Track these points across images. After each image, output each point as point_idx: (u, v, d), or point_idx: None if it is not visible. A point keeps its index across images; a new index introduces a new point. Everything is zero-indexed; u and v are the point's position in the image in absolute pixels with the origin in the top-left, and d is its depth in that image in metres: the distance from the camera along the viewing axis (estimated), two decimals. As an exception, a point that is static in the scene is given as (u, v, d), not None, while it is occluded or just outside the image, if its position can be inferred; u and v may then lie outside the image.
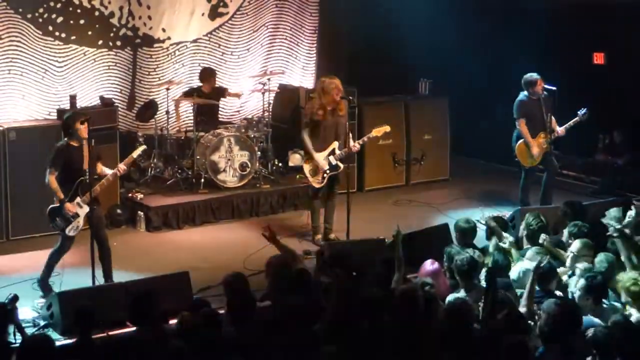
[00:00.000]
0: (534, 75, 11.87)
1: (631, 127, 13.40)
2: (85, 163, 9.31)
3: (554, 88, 11.82)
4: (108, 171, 9.62)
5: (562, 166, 13.69)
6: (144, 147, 10.20)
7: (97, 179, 9.52)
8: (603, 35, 13.32)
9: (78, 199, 9.36)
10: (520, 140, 11.95)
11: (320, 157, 10.98)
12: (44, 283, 9.61)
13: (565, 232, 8.97)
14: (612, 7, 13.10)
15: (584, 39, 13.46)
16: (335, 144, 11.01)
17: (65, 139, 9.43)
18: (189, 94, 12.81)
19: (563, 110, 12.10)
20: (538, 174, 12.24)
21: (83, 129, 9.27)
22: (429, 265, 8.31)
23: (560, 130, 11.94)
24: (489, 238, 9.41)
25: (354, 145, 11.08)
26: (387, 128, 11.26)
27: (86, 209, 9.40)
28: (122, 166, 9.62)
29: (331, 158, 11.01)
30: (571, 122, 11.95)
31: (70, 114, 9.61)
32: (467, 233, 9.12)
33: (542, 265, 7.58)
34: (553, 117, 11.95)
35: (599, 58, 13.71)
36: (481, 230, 9.64)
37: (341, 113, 10.96)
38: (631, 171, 13.11)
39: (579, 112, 11.95)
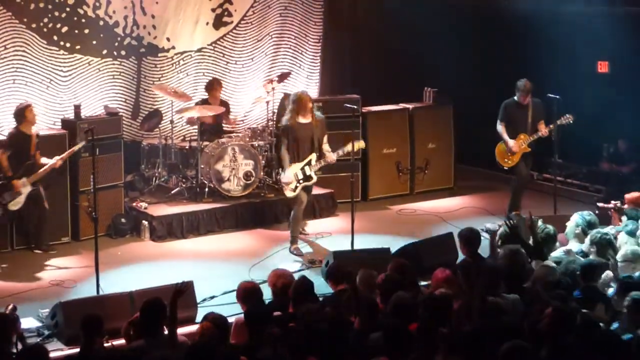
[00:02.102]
0: (527, 85, 12.05)
1: (636, 136, 13.37)
2: (33, 149, 10.80)
3: (557, 97, 11.82)
4: (46, 160, 10.83)
5: (566, 174, 13.69)
6: (83, 142, 10.97)
7: (39, 165, 10.81)
8: (607, 43, 13.31)
9: (24, 179, 10.65)
10: (500, 142, 12.22)
11: (295, 168, 11.13)
12: None
13: (587, 240, 8.92)
14: (617, 15, 13.08)
15: (588, 47, 13.45)
16: (313, 156, 11.18)
17: (16, 125, 10.87)
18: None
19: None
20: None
21: (32, 117, 10.86)
22: (440, 272, 8.29)
23: (543, 130, 12.02)
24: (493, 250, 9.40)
25: (330, 156, 11.23)
26: (362, 144, 11.69)
27: (29, 188, 10.69)
28: (59, 160, 10.81)
29: (307, 168, 11.16)
30: (551, 126, 11.98)
31: (23, 104, 11.06)
32: (471, 242, 9.08)
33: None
34: (543, 123, 12.04)
35: (603, 67, 13.70)
36: (485, 239, 9.62)
37: (315, 125, 11.16)
38: (636, 180, 13.07)
39: (562, 117, 11.97)
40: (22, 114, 10.84)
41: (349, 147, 11.24)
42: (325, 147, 11.28)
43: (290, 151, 11.15)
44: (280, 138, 11.42)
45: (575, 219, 9.40)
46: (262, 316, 7.24)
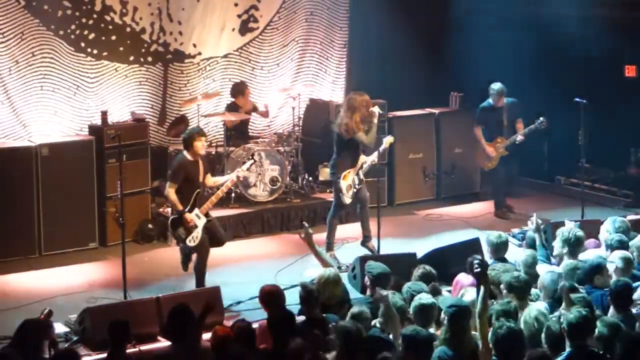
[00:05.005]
0: (495, 88, 12.48)
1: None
2: (201, 176, 10.02)
3: (584, 101, 11.75)
4: (222, 179, 10.32)
5: (594, 179, 13.60)
6: (252, 161, 10.61)
7: (210, 192, 10.30)
8: (635, 48, 13.23)
9: (196, 210, 9.82)
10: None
11: (353, 174, 11.08)
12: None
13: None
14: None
15: (616, 51, 13.38)
16: (363, 159, 11.09)
17: (184, 152, 9.98)
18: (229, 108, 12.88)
19: (592, 123, 11.97)
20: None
21: (200, 146, 9.90)
22: (465, 277, 8.27)
23: (519, 137, 12.48)
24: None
25: (373, 160, 11.20)
26: (391, 139, 11.42)
27: (204, 219, 9.89)
28: (235, 177, 10.29)
29: (360, 172, 11.09)
30: (526, 130, 12.47)
31: (190, 132, 10.13)
32: (499, 247, 9.06)
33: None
34: (521, 122, 12.54)
35: (630, 71, 13.62)
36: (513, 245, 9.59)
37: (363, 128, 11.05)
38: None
39: (536, 121, 12.37)
40: (191, 141, 9.88)
41: (382, 145, 11.23)
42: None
43: (348, 158, 11.06)
44: (342, 147, 11.11)
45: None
46: (285, 321, 7.25)
